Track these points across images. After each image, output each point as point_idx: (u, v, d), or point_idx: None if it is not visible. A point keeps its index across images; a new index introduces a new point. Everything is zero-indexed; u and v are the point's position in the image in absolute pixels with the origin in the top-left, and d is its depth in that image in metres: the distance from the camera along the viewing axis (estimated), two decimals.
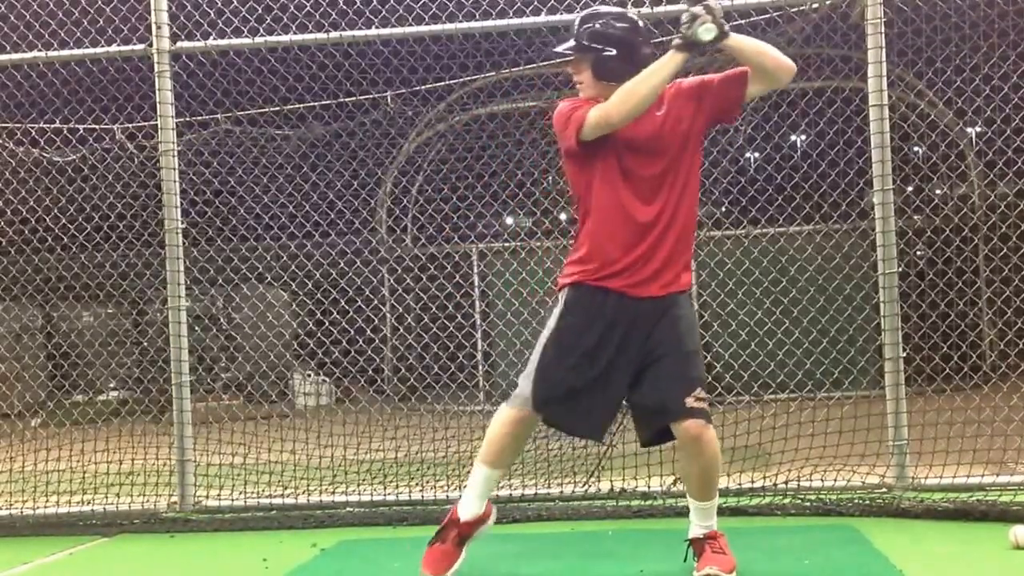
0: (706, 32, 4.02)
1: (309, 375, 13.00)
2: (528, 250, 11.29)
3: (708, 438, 4.21)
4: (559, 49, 4.40)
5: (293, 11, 6.76)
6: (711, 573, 4.20)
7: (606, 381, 4.25)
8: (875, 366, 7.13)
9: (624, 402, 4.37)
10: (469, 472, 6.59)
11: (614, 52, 4.23)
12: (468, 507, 4.42)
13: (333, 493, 6.49)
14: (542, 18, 6.41)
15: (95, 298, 8.56)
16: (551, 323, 4.34)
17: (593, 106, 4.18)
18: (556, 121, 4.30)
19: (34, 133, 7.44)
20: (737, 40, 4.13)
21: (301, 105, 8.33)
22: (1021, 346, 6.84)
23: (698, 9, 4.03)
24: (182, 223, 6.56)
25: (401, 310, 11.10)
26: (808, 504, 5.71)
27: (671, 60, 4.09)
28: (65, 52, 6.79)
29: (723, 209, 10.65)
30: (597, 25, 4.28)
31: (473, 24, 6.58)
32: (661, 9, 6.30)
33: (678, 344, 4.24)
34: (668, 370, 4.21)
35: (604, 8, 4.43)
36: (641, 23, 4.36)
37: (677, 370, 4.21)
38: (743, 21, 6.73)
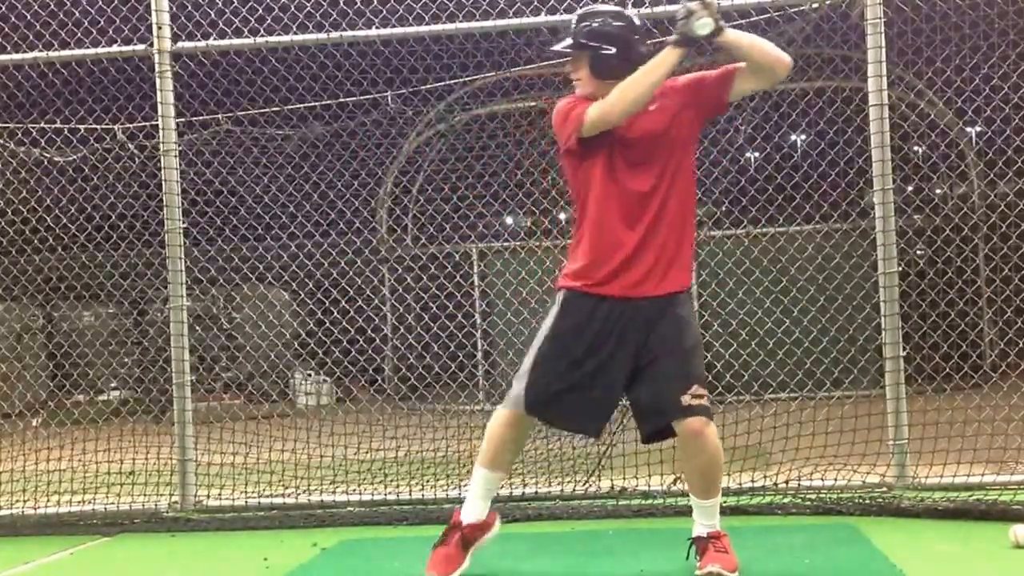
0: (702, 27, 4.03)
1: (310, 375, 12.99)
2: (528, 250, 11.29)
3: (708, 435, 4.21)
4: (557, 48, 4.41)
5: (293, 11, 6.77)
6: (713, 571, 4.20)
7: (600, 383, 4.26)
8: (875, 365, 7.13)
9: (623, 400, 4.40)
10: (470, 471, 6.62)
11: (612, 50, 4.23)
12: (470, 510, 4.43)
13: (334, 493, 6.50)
14: (542, 18, 6.41)
15: (96, 298, 8.56)
16: (547, 324, 4.36)
17: (591, 104, 4.18)
18: (555, 119, 4.32)
19: (34, 133, 7.44)
20: (733, 35, 4.14)
21: (301, 105, 8.33)
22: (1021, 345, 6.84)
23: (694, 4, 4.04)
24: (183, 223, 6.57)
25: (401, 310, 11.09)
26: (808, 503, 5.72)
27: (668, 56, 4.10)
28: (66, 52, 6.80)
29: (723, 209, 10.66)
30: (595, 23, 4.29)
31: (473, 24, 6.58)
32: (660, 9, 6.30)
33: (675, 342, 4.24)
34: (665, 369, 4.21)
35: (601, 6, 4.45)
36: (638, 21, 4.37)
37: (673, 369, 4.21)
38: (743, 21, 6.74)
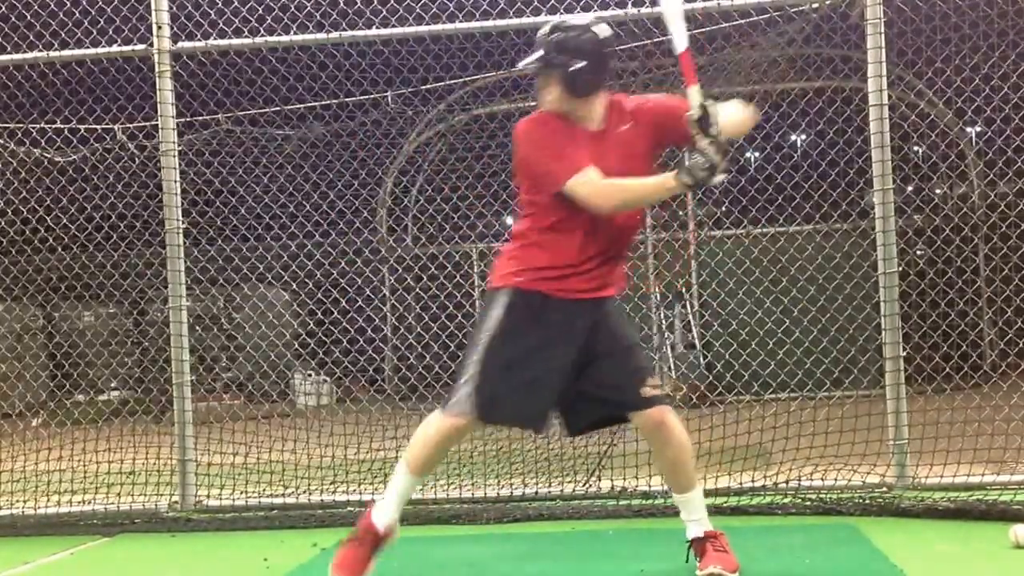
0: (716, 179, 3.89)
1: (310, 375, 13.00)
2: None
3: (671, 423, 4.24)
4: (523, 64, 4.26)
5: (293, 11, 6.77)
6: (714, 572, 4.19)
7: (549, 378, 4.20)
8: (875, 365, 7.13)
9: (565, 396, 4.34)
10: (470, 472, 6.63)
11: (583, 64, 4.11)
12: (386, 515, 4.28)
13: (334, 493, 6.50)
14: (542, 18, 6.40)
15: (96, 298, 8.56)
16: (491, 324, 4.20)
17: (575, 173, 4.02)
18: (530, 147, 4.16)
19: (34, 133, 7.44)
20: (727, 131, 4.03)
21: (301, 105, 8.35)
22: (1021, 345, 6.85)
23: (715, 156, 3.86)
24: (183, 223, 6.57)
25: (401, 310, 11.11)
26: (808, 503, 5.72)
27: (670, 187, 4.00)
28: (65, 52, 6.79)
29: (723, 209, 10.67)
30: (565, 37, 4.16)
31: (473, 24, 6.58)
32: (660, 9, 6.30)
33: (622, 338, 4.31)
34: (620, 363, 4.25)
35: (571, 19, 4.36)
36: (607, 33, 4.23)
37: (626, 364, 4.27)
38: (743, 21, 6.74)
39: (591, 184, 4.02)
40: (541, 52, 4.18)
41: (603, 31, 4.24)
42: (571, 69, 4.11)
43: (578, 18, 4.41)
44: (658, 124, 4.23)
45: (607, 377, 4.23)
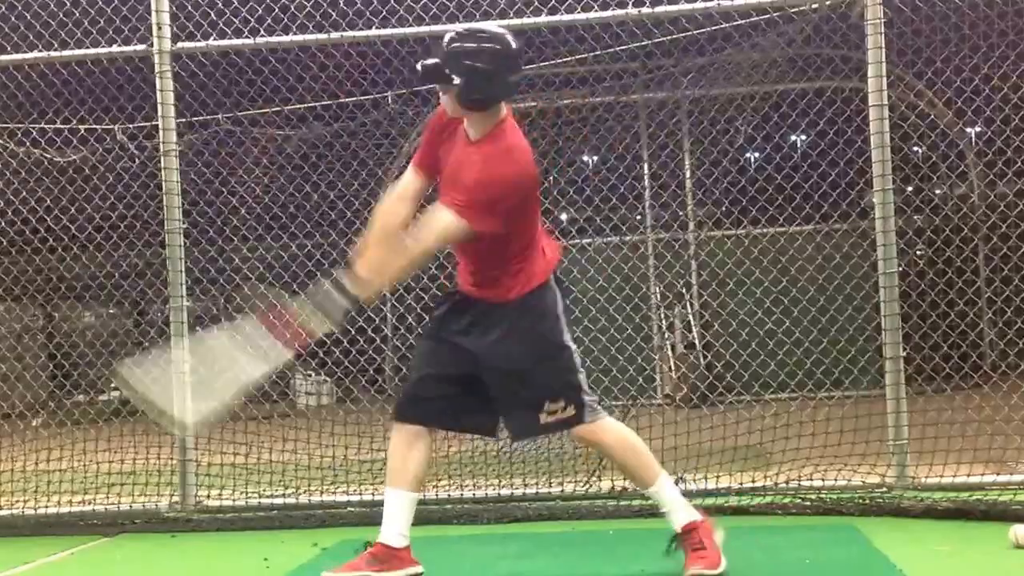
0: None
1: (310, 375, 12.99)
2: None
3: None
4: (422, 64, 4.17)
5: (293, 11, 6.77)
6: (695, 574, 4.16)
7: None
8: (875, 366, 7.15)
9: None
10: (471, 471, 6.63)
11: (461, 81, 4.05)
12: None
13: (334, 493, 6.50)
14: (542, 18, 6.41)
15: (96, 298, 8.55)
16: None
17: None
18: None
19: (35, 133, 7.44)
20: None
21: (302, 105, 8.34)
22: (1021, 345, 6.85)
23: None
24: (183, 223, 6.57)
25: (402, 310, 11.10)
26: (808, 503, 5.72)
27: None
28: (66, 52, 6.79)
29: (723, 209, 10.66)
30: (459, 49, 4.09)
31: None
32: (661, 9, 6.31)
33: None
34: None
35: (472, 28, 4.30)
36: (506, 46, 4.11)
37: None
38: (743, 21, 6.75)
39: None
40: (438, 60, 4.10)
41: (498, 44, 4.11)
42: (459, 83, 4.07)
43: (480, 28, 4.36)
44: None
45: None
